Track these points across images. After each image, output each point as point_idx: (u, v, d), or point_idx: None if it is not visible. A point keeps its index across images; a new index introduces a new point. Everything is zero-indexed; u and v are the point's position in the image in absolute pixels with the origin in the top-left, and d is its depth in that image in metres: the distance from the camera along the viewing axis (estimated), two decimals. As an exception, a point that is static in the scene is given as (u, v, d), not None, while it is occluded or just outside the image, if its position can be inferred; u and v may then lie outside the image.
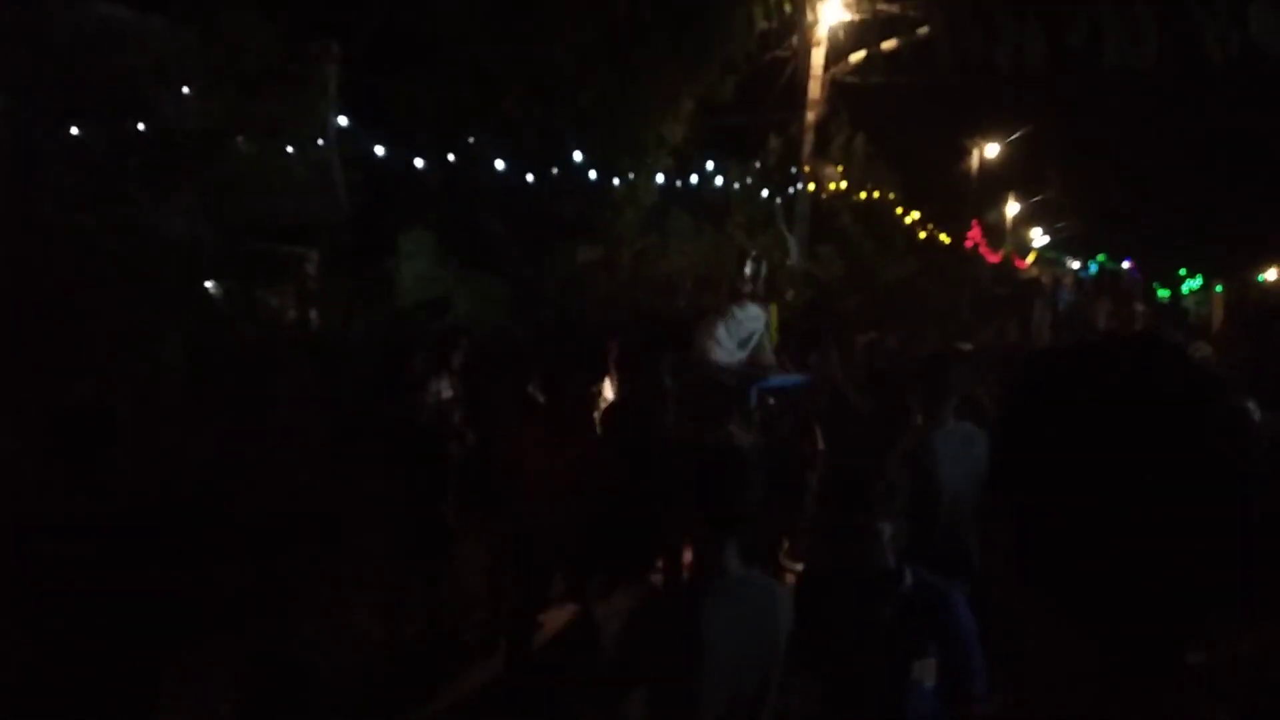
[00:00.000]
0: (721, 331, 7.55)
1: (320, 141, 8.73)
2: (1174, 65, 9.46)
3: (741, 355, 7.68)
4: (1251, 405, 5.11)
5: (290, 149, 8.44)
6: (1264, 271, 21.79)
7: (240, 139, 7.89)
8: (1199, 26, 8.75)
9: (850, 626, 2.79)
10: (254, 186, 8.17)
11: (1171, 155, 23.58)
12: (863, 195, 16.33)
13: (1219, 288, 22.06)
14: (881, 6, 12.17)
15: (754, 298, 8.00)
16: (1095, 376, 0.94)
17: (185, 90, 7.59)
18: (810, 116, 13.61)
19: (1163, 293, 23.67)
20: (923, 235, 19.86)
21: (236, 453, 6.86)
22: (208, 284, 8.62)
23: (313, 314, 9.53)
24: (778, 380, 7.52)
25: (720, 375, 7.21)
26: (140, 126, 7.36)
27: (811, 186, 14.75)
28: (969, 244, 23.36)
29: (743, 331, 7.72)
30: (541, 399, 6.03)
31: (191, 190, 7.68)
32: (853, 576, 2.81)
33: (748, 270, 8.33)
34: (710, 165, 13.29)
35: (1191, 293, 24.92)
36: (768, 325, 8.03)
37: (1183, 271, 26.62)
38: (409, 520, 6.43)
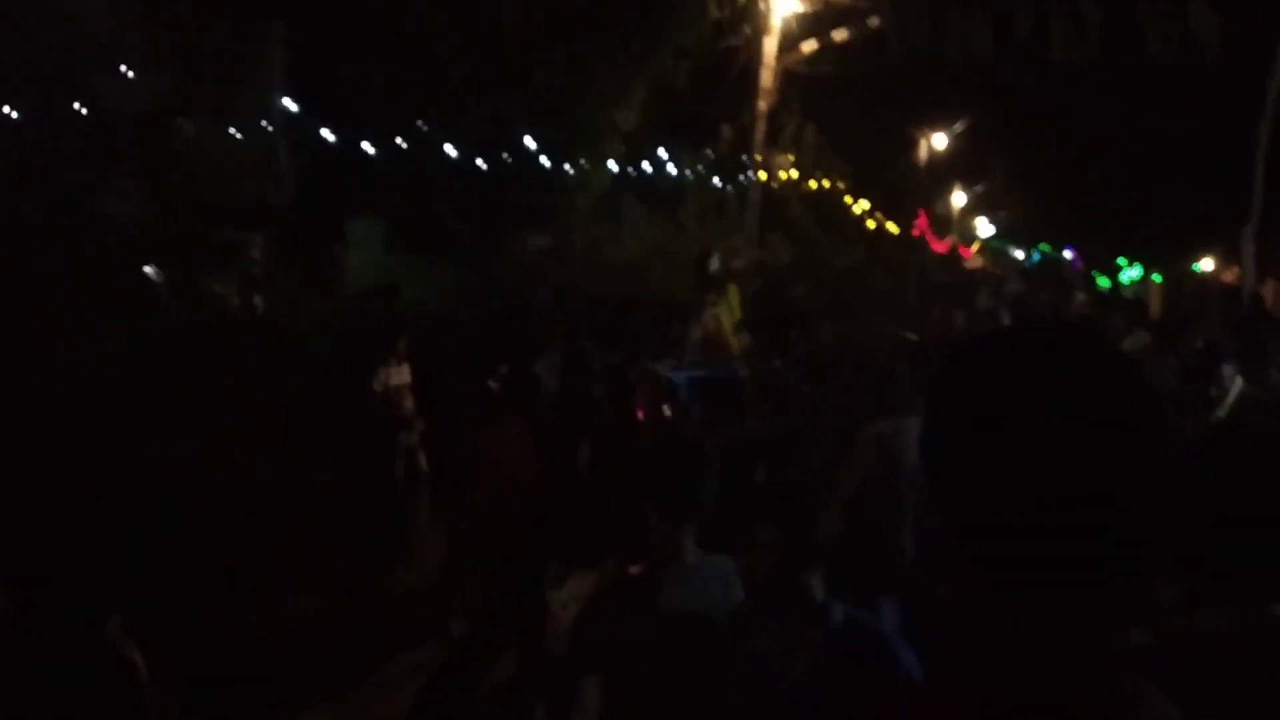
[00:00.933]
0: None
1: (265, 124, 8.57)
2: (1117, 59, 9.68)
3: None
4: (1229, 370, 5.26)
5: (234, 132, 8.27)
6: (1199, 260, 22.41)
7: (182, 121, 7.71)
8: (1140, 22, 8.96)
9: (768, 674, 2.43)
10: (197, 170, 8.00)
11: (1112, 147, 24.11)
12: (813, 184, 16.48)
13: (1157, 277, 22.66)
14: (832, -3, 12.21)
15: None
16: (1021, 360, 0.97)
17: (126, 71, 7.39)
18: (762, 105, 13.62)
19: (1102, 281, 24.25)
20: (871, 224, 20.12)
21: (182, 440, 6.73)
22: (149, 270, 8.40)
23: (257, 300, 9.35)
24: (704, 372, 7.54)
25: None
26: (78, 108, 7.15)
27: (763, 175, 14.82)
28: (916, 233, 23.70)
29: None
30: (495, 389, 6.02)
31: (132, 173, 7.50)
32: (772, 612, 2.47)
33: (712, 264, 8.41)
34: (663, 153, 13.29)
35: (1132, 282, 25.53)
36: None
37: (1122, 261, 27.28)
38: (358, 507, 6.39)
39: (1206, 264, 21.78)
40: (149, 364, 7.15)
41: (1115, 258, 27.57)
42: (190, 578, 5.31)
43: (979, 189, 32.20)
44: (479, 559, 5.26)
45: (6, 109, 6.90)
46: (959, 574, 1.00)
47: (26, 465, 5.46)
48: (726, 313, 9.02)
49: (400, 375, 7.35)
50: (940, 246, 26.43)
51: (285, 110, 8.76)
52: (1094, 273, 24.76)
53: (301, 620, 5.59)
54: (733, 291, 8.76)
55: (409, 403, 7.15)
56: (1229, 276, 10.57)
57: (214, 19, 7.31)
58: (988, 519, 0.94)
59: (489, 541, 4.94)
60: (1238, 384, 5.43)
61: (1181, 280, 20.76)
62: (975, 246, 34.00)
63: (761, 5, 12.83)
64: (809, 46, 12.68)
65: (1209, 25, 8.64)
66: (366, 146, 9.78)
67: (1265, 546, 1.53)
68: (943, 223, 29.18)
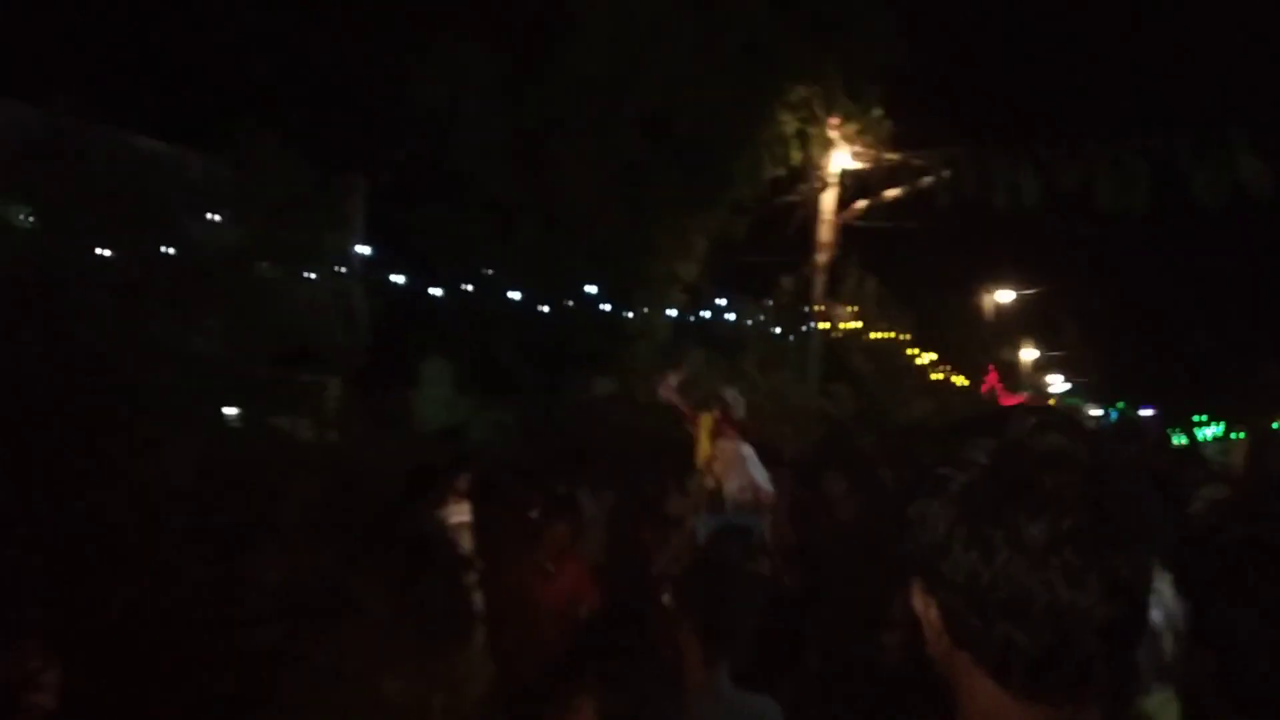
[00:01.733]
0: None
1: (342, 269, 9.07)
2: (1173, 212, 9.78)
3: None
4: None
5: (313, 276, 8.76)
6: (1283, 418, 21.61)
7: (264, 264, 8.21)
8: (1189, 172, 9.10)
9: None
10: (276, 312, 8.43)
11: (1183, 303, 23.93)
12: (875, 335, 16.59)
13: (1239, 434, 21.85)
14: (887, 156, 12.70)
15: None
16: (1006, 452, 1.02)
17: (215, 217, 7.97)
18: (821, 258, 14.00)
19: (1178, 439, 23.46)
20: (937, 376, 20.01)
21: (241, 569, 6.84)
22: (226, 409, 8.77)
23: (330, 437, 9.64)
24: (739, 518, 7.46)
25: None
26: (168, 250, 7.68)
27: (824, 325, 15.02)
28: (985, 388, 23.46)
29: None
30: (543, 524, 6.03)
31: (216, 314, 7.94)
32: None
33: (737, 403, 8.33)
34: (722, 301, 13.61)
35: (1215, 439, 24.65)
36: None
37: (1200, 418, 26.47)
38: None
39: (1293, 421, 20.97)
40: (215, 494, 7.38)
41: (1192, 415, 26.81)
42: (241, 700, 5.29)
43: (1049, 348, 31.95)
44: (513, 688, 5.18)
45: (102, 249, 7.45)
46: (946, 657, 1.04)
47: (87, 584, 5.63)
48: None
49: (460, 513, 7.43)
50: (1011, 400, 26.02)
51: (361, 256, 9.29)
52: (1170, 430, 23.99)
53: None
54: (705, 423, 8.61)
55: (467, 541, 7.19)
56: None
57: (299, 168, 7.89)
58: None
59: (525, 671, 4.87)
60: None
61: (1268, 435, 19.96)
62: (1050, 403, 33.39)
63: (819, 163, 13.39)
64: (863, 203, 13.12)
65: (1256, 170, 8.72)
66: (436, 291, 10.28)
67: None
68: (1014, 377, 28.86)
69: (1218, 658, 1.54)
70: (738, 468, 7.64)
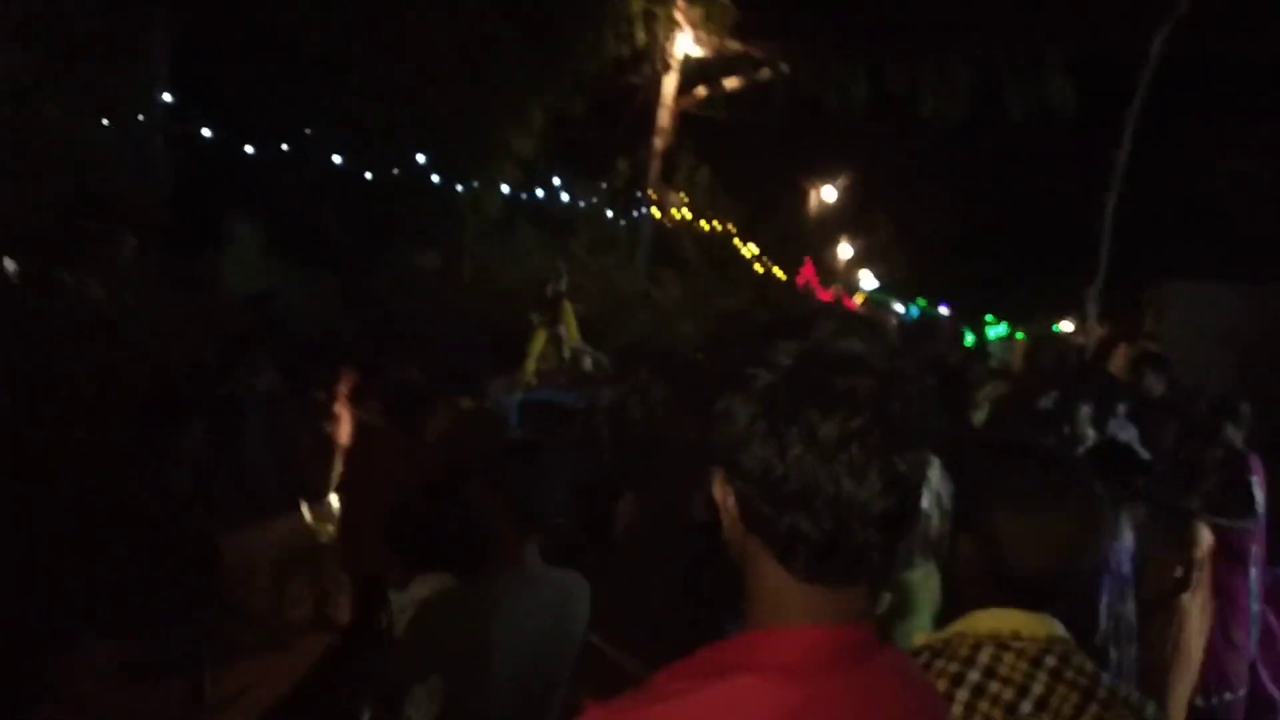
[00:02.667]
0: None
1: (141, 117, 8.26)
2: (984, 124, 10.32)
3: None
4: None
5: (106, 121, 7.94)
6: (1059, 322, 23.75)
7: (49, 104, 7.37)
8: (1001, 84, 9.61)
9: None
10: (63, 158, 7.65)
11: (984, 209, 25.56)
12: (705, 225, 16.84)
13: (1020, 334, 23.91)
14: (729, 44, 12.65)
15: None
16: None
17: (-11, 46, 7.05)
18: (658, 143, 13.95)
19: (971, 336, 25.43)
20: (759, 269, 20.63)
21: (22, 433, 6.38)
22: (5, 260, 7.96)
23: (125, 297, 8.96)
24: (545, 394, 7.70)
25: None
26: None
27: (656, 212, 15.09)
28: (801, 280, 24.41)
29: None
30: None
31: (-10, 153, 7.12)
32: None
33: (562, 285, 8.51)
34: (557, 181, 13.39)
35: (998, 339, 26.86)
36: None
37: (989, 318, 28.76)
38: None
39: (1066, 324, 23.12)
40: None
41: (984, 315, 29.04)
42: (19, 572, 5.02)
43: (863, 245, 33.48)
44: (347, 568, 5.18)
45: None
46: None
47: None
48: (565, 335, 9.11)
49: (271, 381, 7.19)
50: (825, 295, 27.25)
51: (164, 103, 8.47)
52: (964, 328, 25.96)
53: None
54: (568, 312, 8.86)
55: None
56: (1081, 337, 11.25)
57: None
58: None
59: (356, 551, 4.87)
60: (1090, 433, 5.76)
61: (1042, 338, 21.95)
62: (859, 298, 35.22)
63: (662, 46, 13.19)
64: (703, 90, 13.09)
65: (1064, 91, 9.32)
66: (248, 148, 9.54)
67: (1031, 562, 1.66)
68: (828, 273, 30.15)
69: (976, 544, 1.71)
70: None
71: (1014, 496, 1.68)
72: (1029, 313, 24.60)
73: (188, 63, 9.02)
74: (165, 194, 8.64)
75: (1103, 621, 3.86)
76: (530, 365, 8.70)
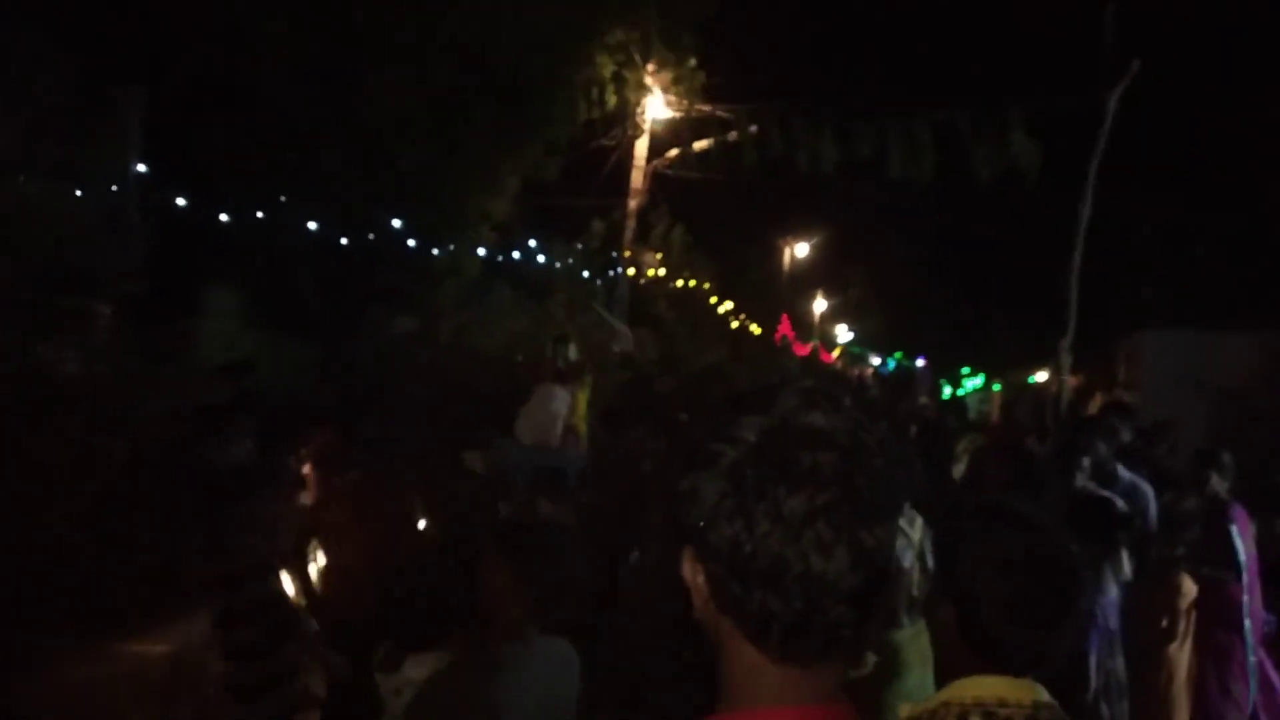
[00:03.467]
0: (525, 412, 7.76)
1: (115, 188, 8.27)
2: (952, 181, 10.55)
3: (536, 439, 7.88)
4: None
5: (80, 193, 7.95)
6: (1035, 373, 24.01)
7: (23, 178, 7.37)
8: (968, 147, 9.85)
9: None
10: (36, 230, 7.62)
11: (957, 265, 26.03)
12: (680, 283, 16.99)
13: (997, 386, 24.13)
14: (699, 107, 12.91)
15: (562, 380, 8.24)
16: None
17: (-36, 122, 7.06)
18: (632, 204, 14.15)
19: (947, 389, 25.66)
20: (735, 324, 20.79)
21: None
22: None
23: (99, 369, 8.86)
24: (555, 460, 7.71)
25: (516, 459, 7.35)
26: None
27: (631, 271, 15.22)
28: (778, 336, 24.62)
29: (539, 415, 7.97)
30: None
31: (-38, 228, 7.09)
32: None
33: (570, 352, 8.56)
34: (533, 243, 13.49)
35: (975, 391, 27.10)
36: (571, 408, 8.26)
37: (965, 370, 29.06)
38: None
39: (1040, 375, 23.35)
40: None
41: (960, 368, 29.34)
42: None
43: (838, 300, 33.91)
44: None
45: None
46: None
47: None
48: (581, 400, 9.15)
49: (246, 452, 7.08)
50: (802, 350, 27.47)
51: (138, 174, 8.49)
52: (941, 381, 26.22)
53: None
54: (586, 385, 8.92)
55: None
56: (1055, 387, 11.40)
57: (63, 72, 7.10)
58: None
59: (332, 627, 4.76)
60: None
61: (1019, 389, 22.16)
62: (836, 352, 35.51)
63: (633, 109, 13.45)
64: (674, 152, 13.32)
65: (1028, 151, 9.56)
66: (223, 216, 9.55)
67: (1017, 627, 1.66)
68: (805, 328, 30.44)
69: (955, 608, 1.70)
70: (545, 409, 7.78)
71: (991, 562, 1.68)
72: (1004, 365, 24.87)
73: (160, 132, 9.06)
74: (141, 264, 8.61)
75: (1093, 679, 3.83)
76: (581, 427, 8.71)
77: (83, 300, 9.08)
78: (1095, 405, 11.30)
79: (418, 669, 2.83)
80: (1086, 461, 5.02)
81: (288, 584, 5.78)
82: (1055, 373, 11.20)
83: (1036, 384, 23.40)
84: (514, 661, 2.49)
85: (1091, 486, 4.93)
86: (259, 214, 9.72)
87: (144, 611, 5.98)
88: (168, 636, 5.92)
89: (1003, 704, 1.59)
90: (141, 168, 8.49)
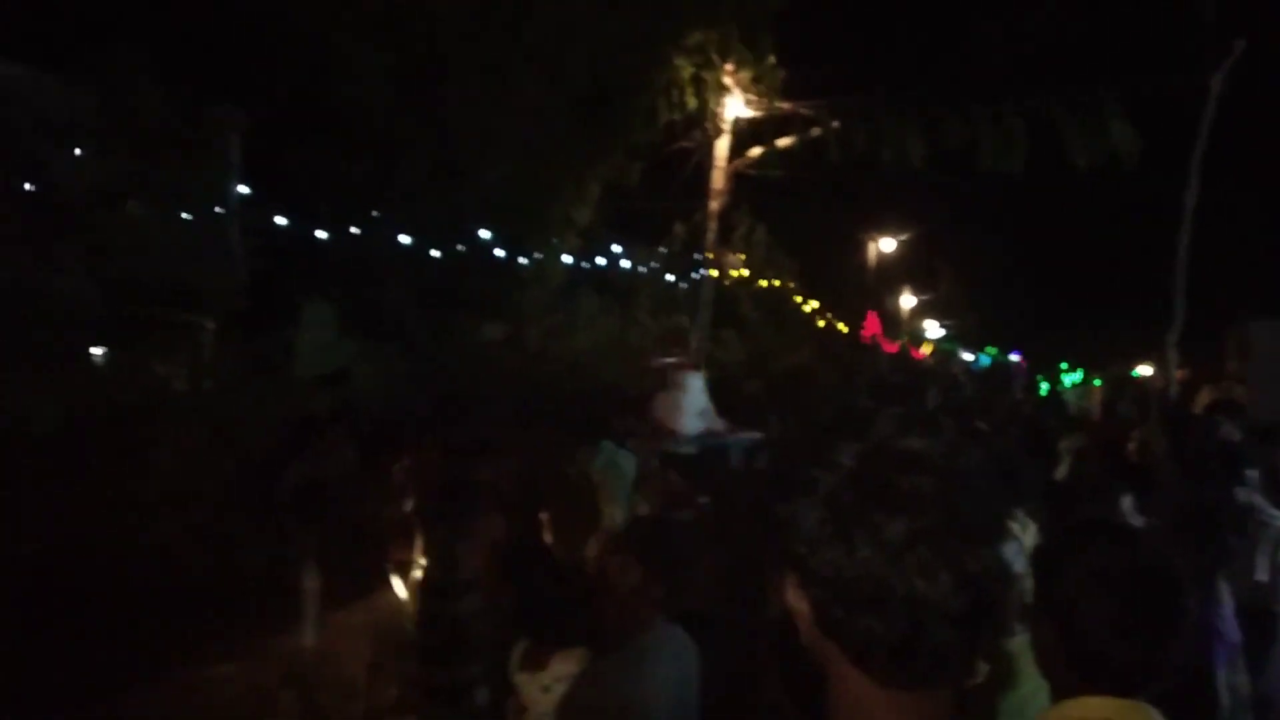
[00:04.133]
0: (684, 403, 7.76)
1: (219, 209, 8.65)
2: (1048, 170, 10.21)
3: (700, 425, 7.84)
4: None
5: (186, 215, 8.33)
6: (1139, 366, 23.09)
7: (133, 202, 7.76)
8: (1064, 135, 9.51)
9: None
10: (147, 251, 8.02)
11: (1054, 255, 25.20)
12: (763, 283, 16.86)
13: (1097, 381, 23.27)
14: (779, 105, 12.77)
15: (695, 369, 8.20)
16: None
17: (77, 151, 7.47)
18: (713, 205, 14.05)
19: (1044, 385, 24.86)
20: (821, 323, 20.54)
21: (109, 520, 6.60)
22: (94, 350, 8.33)
23: (206, 382, 9.28)
24: (745, 438, 7.78)
25: (682, 446, 7.38)
26: (26, 184, 7.19)
27: (715, 273, 15.16)
28: (866, 333, 24.22)
29: (699, 402, 7.92)
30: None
31: (79, 251, 7.50)
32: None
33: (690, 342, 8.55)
34: (617, 248, 13.57)
35: (1073, 386, 26.19)
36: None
37: (1063, 365, 28.10)
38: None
39: (1146, 369, 22.46)
40: (82, 442, 7.04)
41: (1058, 363, 28.39)
42: (110, 657, 5.15)
43: (927, 295, 33.18)
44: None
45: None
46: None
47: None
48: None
49: (346, 459, 7.30)
50: (891, 347, 26.98)
51: (239, 195, 8.86)
52: (1038, 377, 25.40)
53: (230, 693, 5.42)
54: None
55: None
56: (1161, 382, 10.94)
57: (170, 102, 7.45)
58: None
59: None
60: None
61: (1121, 384, 21.33)
62: (926, 348, 34.77)
63: (713, 110, 13.39)
64: (757, 151, 13.20)
65: (1127, 137, 9.18)
66: (320, 232, 9.90)
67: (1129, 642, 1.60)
68: (893, 324, 29.89)
69: (1056, 626, 1.66)
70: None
71: (1091, 577, 1.64)
72: (1104, 358, 23.96)
73: (258, 154, 9.44)
74: (243, 281, 8.98)
75: (1223, 697, 3.61)
76: None
77: (190, 317, 9.53)
78: (1203, 400, 10.81)
79: (565, 665, 2.92)
80: (1254, 474, 4.76)
81: (400, 589, 5.95)
82: (1160, 367, 10.73)
83: (1140, 378, 22.53)
84: (654, 653, 2.59)
85: (1259, 502, 4.64)
86: (352, 229, 10.03)
87: (254, 616, 6.22)
88: (277, 640, 6.15)
89: None
90: (243, 189, 8.85)
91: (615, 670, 2.61)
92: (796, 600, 1.10)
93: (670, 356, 8.22)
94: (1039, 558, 1.86)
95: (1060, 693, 1.65)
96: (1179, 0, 8.65)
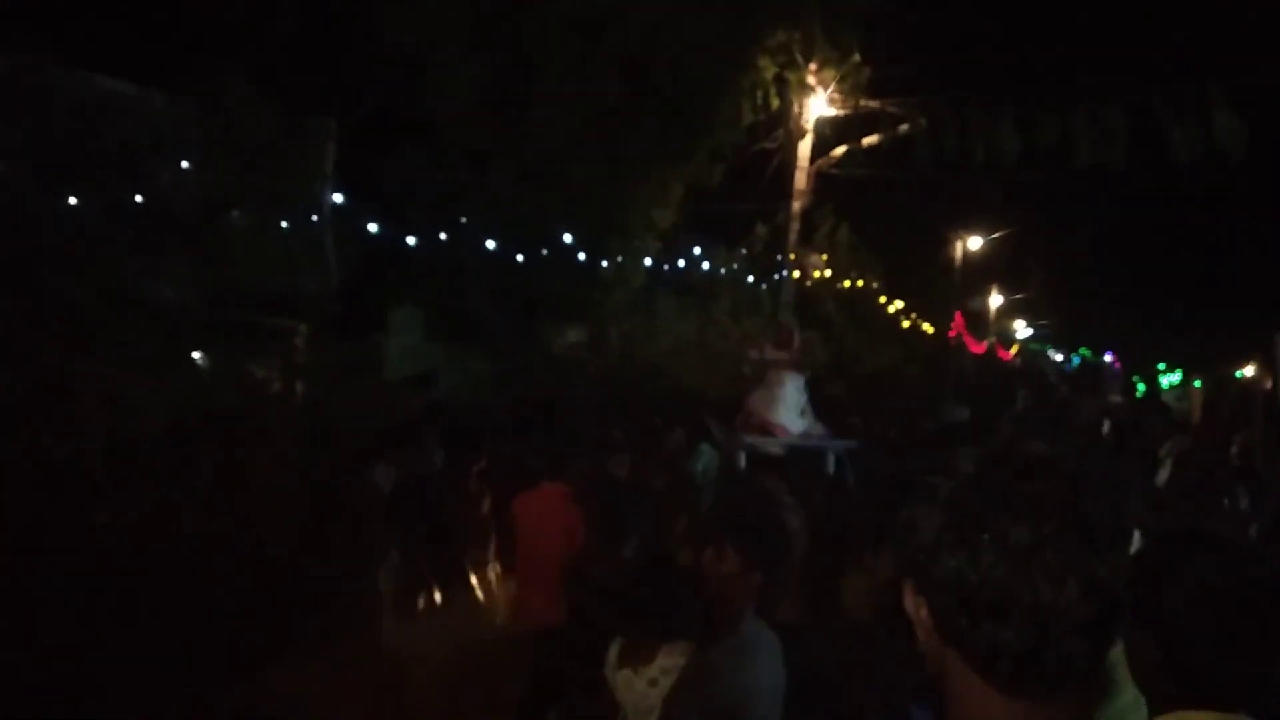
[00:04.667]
0: (783, 400, 7.58)
1: (314, 217, 8.92)
2: (1146, 165, 9.86)
3: (801, 425, 7.65)
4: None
5: (284, 223, 8.62)
6: (1242, 367, 22.07)
7: (235, 212, 8.07)
8: (1166, 128, 9.17)
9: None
10: (246, 259, 8.32)
11: (1150, 252, 24.28)
12: (846, 283, 16.65)
13: (1197, 382, 22.32)
14: (865, 103, 12.60)
15: (798, 368, 7.93)
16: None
17: (183, 163, 7.79)
18: (796, 206, 13.94)
19: (1140, 386, 23.97)
20: (906, 324, 20.19)
21: (214, 519, 6.86)
22: (195, 354, 8.67)
23: (299, 385, 9.58)
24: (841, 444, 7.65)
25: (770, 445, 7.32)
26: (136, 197, 7.53)
27: (797, 274, 15.02)
28: (952, 334, 23.71)
29: (798, 401, 7.72)
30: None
31: (184, 260, 7.83)
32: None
33: (795, 340, 8.26)
34: (697, 250, 13.56)
35: (1171, 387, 25.20)
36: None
37: (1161, 366, 27.06)
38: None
39: (1249, 369, 21.45)
40: (187, 443, 7.34)
41: (1155, 363, 27.35)
42: (214, 655, 5.34)
43: (1016, 294, 32.31)
44: (518, 629, 5.26)
45: (68, 196, 7.28)
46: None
47: (59, 528, 5.60)
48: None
49: (436, 460, 7.48)
50: (978, 348, 26.36)
51: (333, 203, 9.13)
52: (1134, 377, 24.51)
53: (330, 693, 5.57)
54: None
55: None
56: (1269, 383, 10.46)
57: (269, 114, 7.72)
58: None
59: (529, 611, 4.95)
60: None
61: (1223, 385, 20.43)
62: (1014, 349, 33.87)
63: (796, 110, 13.28)
64: (841, 150, 13.05)
65: (1233, 130, 8.81)
66: (409, 238, 10.14)
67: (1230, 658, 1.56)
68: (980, 324, 29.19)
69: (1157, 639, 1.62)
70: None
71: (1193, 591, 1.60)
72: (1205, 359, 22.99)
73: (350, 162, 9.72)
74: (335, 287, 9.24)
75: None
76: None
77: (286, 322, 9.85)
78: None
79: (670, 658, 2.95)
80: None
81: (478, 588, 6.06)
82: (1266, 366, 10.28)
83: (1243, 379, 21.52)
84: (755, 643, 2.64)
85: None
86: (440, 235, 10.25)
87: (343, 614, 6.39)
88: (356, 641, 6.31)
89: None
90: (337, 198, 9.12)
91: (723, 660, 2.65)
92: (915, 608, 1.09)
93: (771, 353, 7.90)
94: (1138, 568, 1.82)
95: (1159, 705, 1.61)
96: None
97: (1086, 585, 0.97)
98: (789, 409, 7.59)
